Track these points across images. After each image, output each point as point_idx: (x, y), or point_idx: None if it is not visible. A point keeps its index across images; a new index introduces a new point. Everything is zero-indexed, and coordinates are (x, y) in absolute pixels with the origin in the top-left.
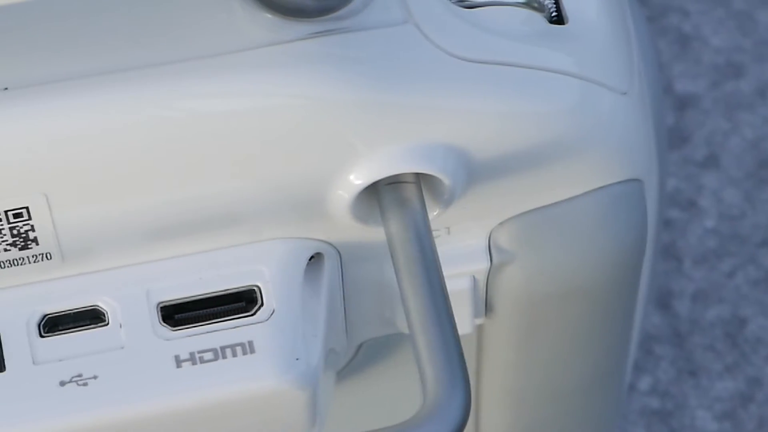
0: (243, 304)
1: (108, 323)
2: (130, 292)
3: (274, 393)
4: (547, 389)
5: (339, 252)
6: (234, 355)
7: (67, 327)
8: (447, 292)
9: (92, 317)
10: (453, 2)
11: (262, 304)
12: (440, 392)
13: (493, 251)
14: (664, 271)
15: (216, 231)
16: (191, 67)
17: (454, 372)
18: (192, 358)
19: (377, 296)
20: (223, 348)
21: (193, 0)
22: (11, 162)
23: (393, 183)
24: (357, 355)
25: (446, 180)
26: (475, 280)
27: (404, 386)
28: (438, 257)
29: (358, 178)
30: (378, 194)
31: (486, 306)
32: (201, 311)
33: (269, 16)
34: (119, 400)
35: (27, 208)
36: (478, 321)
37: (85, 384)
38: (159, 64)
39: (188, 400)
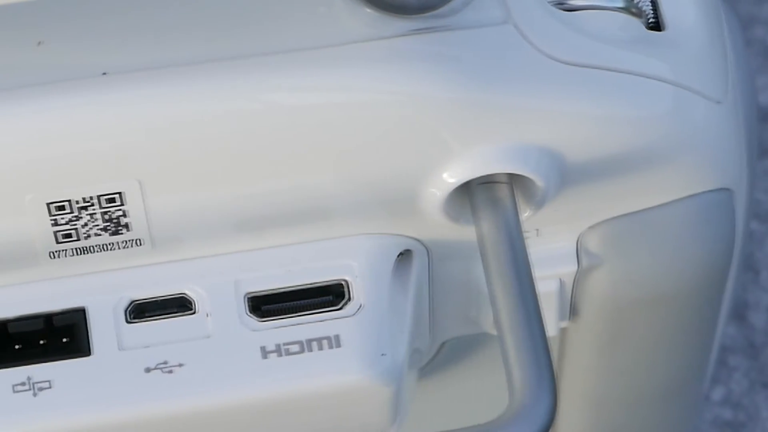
0: (331, 298)
1: (195, 312)
2: (219, 282)
3: (358, 388)
4: (626, 395)
5: (428, 249)
6: (320, 348)
7: (154, 314)
8: (537, 294)
9: (179, 305)
10: (552, 4)
11: (350, 299)
12: (527, 394)
13: (581, 255)
14: (740, 282)
15: (306, 224)
16: (289, 60)
17: (541, 375)
18: (278, 350)
19: (463, 295)
20: (309, 341)
21: None
22: (107, 147)
23: (486, 183)
24: (439, 353)
25: (539, 182)
26: (562, 283)
27: (484, 386)
28: (529, 259)
29: (452, 177)
30: (470, 193)
31: (571, 309)
32: (288, 303)
33: (369, 11)
34: (204, 389)
35: (121, 193)
36: (562, 324)
37: (170, 371)
38: (257, 55)
39: (273, 392)
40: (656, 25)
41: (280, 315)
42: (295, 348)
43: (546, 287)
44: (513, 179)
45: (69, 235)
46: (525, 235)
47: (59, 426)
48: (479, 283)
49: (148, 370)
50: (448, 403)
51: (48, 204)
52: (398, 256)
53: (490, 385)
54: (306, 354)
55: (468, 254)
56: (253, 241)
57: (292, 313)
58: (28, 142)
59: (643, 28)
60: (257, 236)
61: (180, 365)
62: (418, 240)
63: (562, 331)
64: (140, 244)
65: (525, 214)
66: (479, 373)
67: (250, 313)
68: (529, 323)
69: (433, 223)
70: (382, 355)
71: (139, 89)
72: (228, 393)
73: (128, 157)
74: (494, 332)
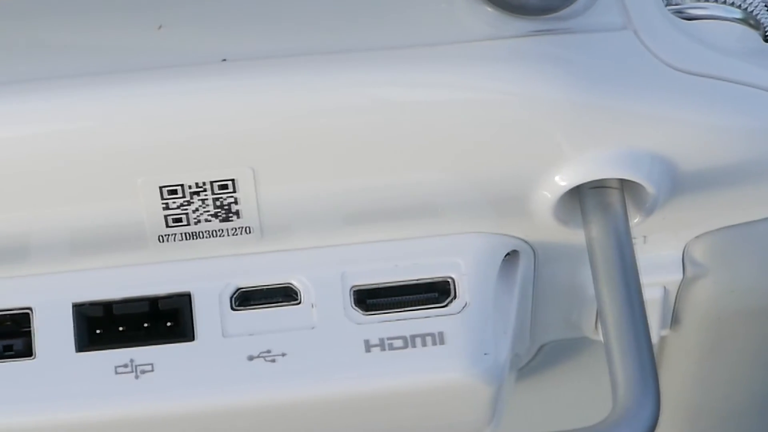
0: (436, 294)
1: (300, 302)
2: (325, 274)
3: (459, 386)
4: (723, 406)
5: (534, 251)
6: (424, 344)
7: (259, 302)
8: (644, 301)
9: (285, 295)
10: (672, 13)
11: (455, 297)
12: (631, 399)
13: (686, 264)
14: None
15: (414, 220)
16: (407, 55)
17: (646, 381)
18: (381, 344)
19: (566, 299)
20: (413, 337)
21: None
22: (223, 133)
23: (597, 187)
24: (537, 356)
25: (650, 189)
26: (666, 291)
27: (580, 390)
28: (637, 265)
29: (564, 180)
30: (581, 197)
31: (672, 318)
32: (394, 298)
33: (490, 10)
34: (306, 379)
35: (233, 180)
36: (663, 332)
37: (273, 360)
38: (375, 49)
39: (374, 386)
40: None
41: (384, 309)
42: (398, 343)
43: (650, 294)
44: (624, 185)
45: (179, 220)
46: (632, 241)
47: (160, 409)
48: (583, 287)
49: (251, 358)
50: (542, 406)
51: (160, 187)
52: (505, 256)
53: (585, 390)
54: (409, 350)
55: (574, 258)
56: (360, 234)
57: (397, 308)
58: (144, 125)
59: (761, 40)
60: (365, 229)
61: (283, 355)
62: (525, 241)
63: (662, 339)
64: (249, 232)
65: (634, 220)
66: (575, 377)
67: (355, 306)
68: (635, 329)
69: (542, 225)
70: (485, 354)
71: (258, 77)
72: (330, 385)
73: (243, 144)
74: (594, 337)
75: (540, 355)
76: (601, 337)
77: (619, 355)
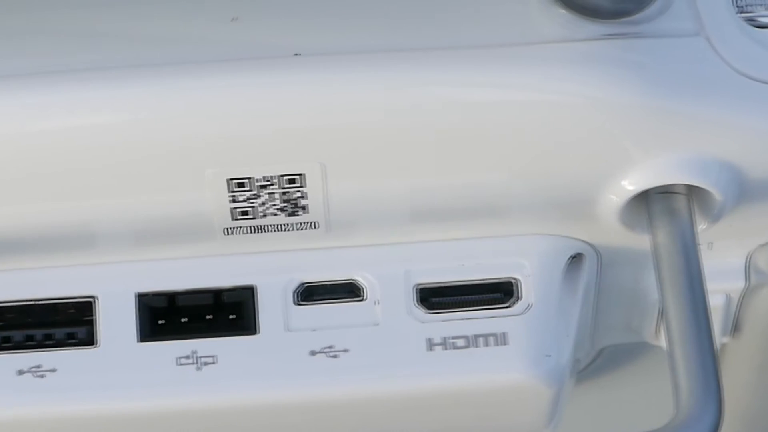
0: (500, 295)
1: (364, 299)
2: (389, 271)
3: (520, 387)
4: None
5: (599, 254)
6: (486, 344)
7: (323, 298)
8: (709, 308)
9: (348, 291)
10: (743, 20)
11: (519, 298)
12: (694, 405)
13: (751, 272)
14: None
15: (480, 220)
16: (478, 55)
17: (709, 386)
18: (444, 343)
19: (628, 303)
20: (476, 336)
21: None
22: (293, 127)
23: (664, 192)
24: (595, 360)
25: (718, 195)
26: (728, 298)
27: (639, 394)
28: (703, 271)
29: (631, 184)
30: (648, 202)
31: (733, 326)
32: (457, 297)
33: (564, 12)
34: (368, 376)
35: (302, 175)
36: (724, 340)
37: (335, 356)
38: (447, 48)
39: (435, 385)
40: None
41: (448, 308)
42: (461, 342)
43: (713, 301)
44: (691, 191)
45: (246, 213)
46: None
47: (220, 402)
48: (645, 292)
49: (313, 353)
50: (599, 410)
51: (228, 180)
52: (569, 258)
53: (643, 395)
54: (471, 349)
55: (638, 262)
56: (426, 233)
57: (461, 307)
58: (215, 117)
59: None
60: (431, 228)
61: (345, 351)
62: (590, 244)
63: (722, 347)
64: (315, 227)
65: (701, 226)
66: (633, 381)
67: (419, 304)
68: (700, 335)
69: (607, 228)
70: (547, 356)
71: (331, 73)
72: (391, 382)
73: (313, 139)
74: (654, 342)
75: (599, 358)
76: (661, 342)
77: (683, 360)
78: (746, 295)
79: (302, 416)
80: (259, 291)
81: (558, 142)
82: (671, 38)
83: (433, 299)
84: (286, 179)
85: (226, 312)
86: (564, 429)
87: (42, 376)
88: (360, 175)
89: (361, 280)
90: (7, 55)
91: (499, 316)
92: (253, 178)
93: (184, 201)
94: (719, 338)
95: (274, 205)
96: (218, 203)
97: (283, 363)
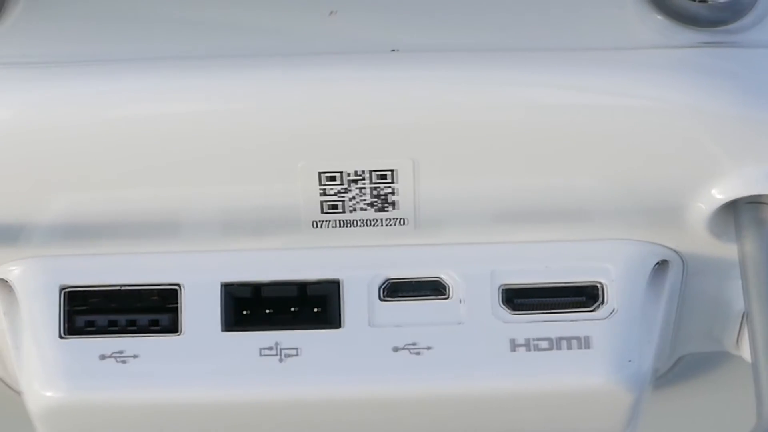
0: (583, 299)
1: (449, 297)
2: (475, 270)
3: (601, 391)
4: None
5: (684, 262)
6: (569, 347)
7: (408, 294)
8: None
9: (433, 289)
10: None
11: (603, 302)
12: None
13: None
14: None
15: (567, 223)
16: (573, 58)
17: None
18: (527, 344)
19: (711, 312)
20: (559, 339)
21: None
22: (387, 123)
23: (753, 202)
24: (674, 367)
25: None
26: None
27: (717, 403)
28: None
29: (721, 193)
30: (736, 211)
31: None
32: (541, 299)
33: (660, 18)
34: (450, 374)
35: (393, 171)
36: None
37: (418, 353)
38: (542, 50)
39: (517, 385)
40: None
41: (532, 310)
42: (544, 344)
43: None
44: None
45: (335, 207)
46: None
47: (302, 394)
48: (729, 302)
49: (396, 349)
50: (676, 418)
51: (319, 173)
52: (655, 265)
53: (721, 404)
54: (554, 351)
55: (723, 271)
56: (512, 234)
57: (545, 309)
58: (310, 109)
59: None
60: (517, 229)
61: (428, 348)
62: (676, 251)
63: None
64: (403, 224)
65: None
66: (711, 390)
67: (503, 304)
68: None
69: (694, 236)
70: (629, 361)
71: (427, 70)
72: (473, 381)
73: (406, 136)
74: (735, 352)
75: (677, 366)
76: (741, 352)
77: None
78: None
79: (382, 412)
80: (344, 285)
81: (649, 148)
82: (765, 49)
83: (517, 300)
84: (377, 174)
85: (310, 305)
86: None
87: (124, 362)
88: (451, 173)
89: (446, 278)
90: (110, 40)
91: (583, 320)
92: (344, 172)
93: (275, 192)
94: None
95: (364, 200)
96: (308, 196)
97: (365, 358)
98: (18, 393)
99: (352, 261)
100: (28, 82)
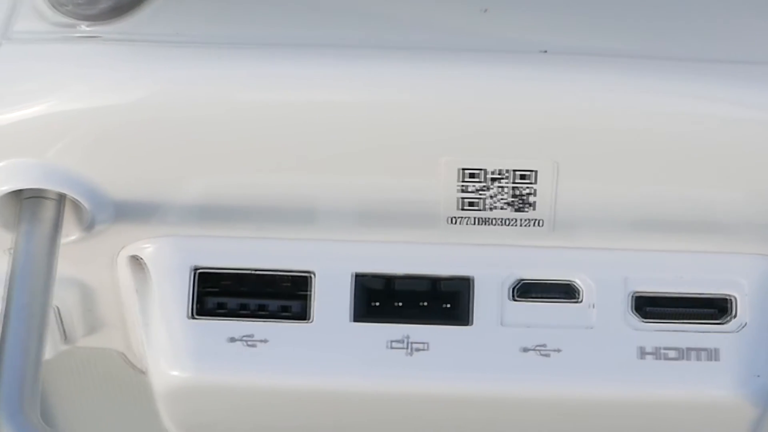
0: (714, 311)
1: (580, 301)
2: (608, 276)
3: (726, 404)
4: None
5: None
6: (698, 359)
7: (539, 296)
8: None
9: (565, 292)
10: None
11: (734, 315)
12: None
13: None
14: None
15: (703, 234)
16: (724, 70)
17: None
18: (656, 353)
19: None
20: (688, 350)
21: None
22: (532, 124)
23: None
24: None
25: None
26: None
27: None
28: None
29: None
30: None
31: None
32: (672, 309)
33: None
34: (578, 378)
35: (535, 171)
36: None
37: (547, 355)
38: (693, 60)
39: (642, 393)
40: None
41: (662, 319)
42: (672, 354)
43: None
44: None
45: (473, 204)
46: None
47: (428, 389)
48: None
49: (525, 350)
50: None
51: (460, 169)
52: None
53: None
54: (682, 362)
55: None
56: (645, 241)
57: (675, 319)
58: (456, 105)
59: None
60: (651, 237)
61: (557, 351)
62: None
63: None
64: (539, 225)
65: None
66: None
67: (634, 311)
68: None
69: None
70: (757, 376)
71: (577, 73)
72: (600, 387)
73: (550, 137)
74: None
75: None
76: None
77: None
78: None
79: (508, 412)
80: (476, 283)
81: None
82: None
83: (647, 308)
84: (518, 174)
85: (441, 300)
86: None
87: (253, 346)
88: (591, 177)
89: (579, 282)
90: (266, 24)
91: (713, 332)
92: (486, 170)
93: (414, 186)
94: None
95: (503, 199)
96: (447, 192)
97: (494, 357)
98: (140, 371)
99: (486, 259)
100: (177, 60)
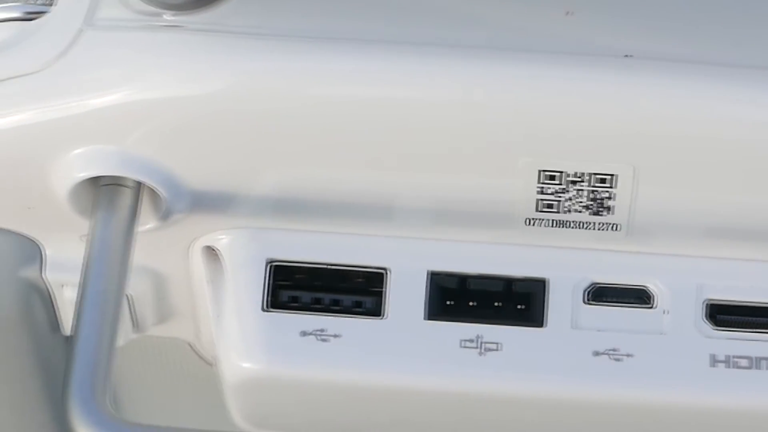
0: None
1: (654, 306)
2: (682, 283)
3: None
4: None
5: None
6: None
7: (612, 300)
8: None
9: (638, 297)
10: None
11: None
12: None
13: None
14: None
15: None
16: None
17: None
18: (727, 361)
19: None
20: (759, 359)
21: None
22: (614, 128)
23: None
24: None
25: None
26: None
27: None
28: None
29: None
30: None
31: None
32: (745, 318)
33: None
34: (649, 384)
35: (614, 176)
36: None
37: (618, 359)
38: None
39: (713, 401)
40: None
41: (735, 327)
42: (744, 362)
43: None
44: None
45: (550, 206)
46: None
47: (499, 389)
48: None
49: (596, 353)
50: None
51: (540, 171)
52: None
53: None
54: (753, 371)
55: None
56: (720, 249)
57: (747, 327)
58: (538, 107)
59: None
60: (726, 245)
61: (629, 356)
62: None
63: None
64: (616, 230)
65: None
66: None
67: (706, 319)
68: None
69: None
70: None
71: (660, 78)
72: (671, 393)
73: (631, 142)
74: None
75: None
76: None
77: None
78: None
79: (578, 415)
80: (550, 285)
81: None
82: None
83: (720, 316)
84: (597, 178)
85: (514, 301)
86: None
87: (325, 340)
88: (670, 183)
89: (653, 287)
90: (346, 19)
91: None
92: (565, 172)
93: (492, 186)
94: None
95: (581, 202)
96: (525, 193)
97: (566, 359)
98: (208, 363)
99: (561, 262)
100: (257, 53)
